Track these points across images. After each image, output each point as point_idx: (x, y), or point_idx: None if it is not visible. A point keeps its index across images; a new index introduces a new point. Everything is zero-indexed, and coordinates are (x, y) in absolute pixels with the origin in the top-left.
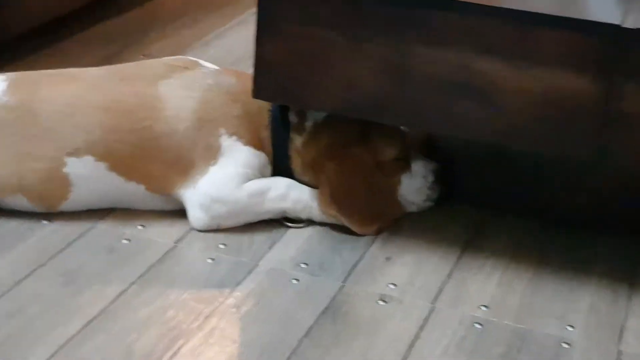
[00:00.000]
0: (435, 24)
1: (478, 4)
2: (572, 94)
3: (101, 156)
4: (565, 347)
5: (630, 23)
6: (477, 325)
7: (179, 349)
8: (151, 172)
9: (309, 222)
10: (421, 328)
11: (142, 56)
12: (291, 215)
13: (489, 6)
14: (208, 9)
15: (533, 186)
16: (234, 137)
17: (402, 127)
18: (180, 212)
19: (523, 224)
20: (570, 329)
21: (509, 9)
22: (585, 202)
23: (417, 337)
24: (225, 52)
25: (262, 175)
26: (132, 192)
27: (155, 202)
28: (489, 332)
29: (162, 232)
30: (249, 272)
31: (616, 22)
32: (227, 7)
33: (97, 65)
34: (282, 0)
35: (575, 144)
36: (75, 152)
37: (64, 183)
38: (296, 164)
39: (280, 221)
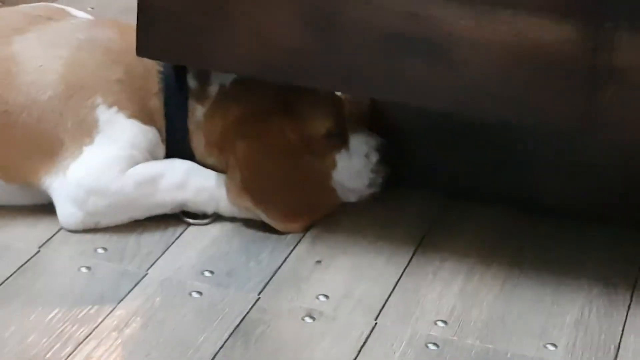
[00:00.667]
0: None
1: None
2: (550, 46)
3: None
4: None
5: None
6: (432, 347)
7: None
8: (6, 157)
9: (216, 218)
10: (360, 352)
11: None
12: (192, 208)
13: None
14: None
15: (506, 167)
16: (115, 109)
17: (335, 93)
18: (45, 208)
19: (493, 215)
20: (551, 348)
21: None
22: (574, 186)
23: None
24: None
25: (153, 157)
26: None
27: (12, 195)
28: (447, 354)
29: (22, 235)
30: (136, 284)
31: None
32: None
33: None
34: None
35: (555, 111)
36: None
37: None
38: (197, 141)
39: (178, 217)
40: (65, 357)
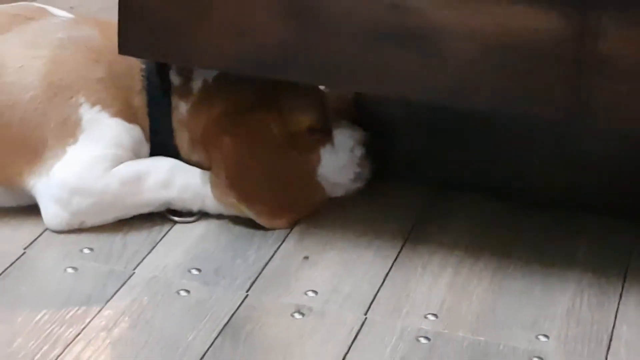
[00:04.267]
0: None
1: None
2: (535, 36)
3: None
4: None
5: None
6: (423, 340)
7: None
8: None
9: (202, 215)
10: (350, 347)
11: None
12: (178, 206)
13: None
14: None
15: (495, 158)
16: (98, 107)
17: (319, 87)
18: (30, 209)
19: (482, 207)
20: (543, 339)
21: None
22: (564, 176)
23: (345, 358)
24: None
25: (138, 155)
26: None
27: None
28: (438, 347)
29: (7, 237)
30: (123, 284)
31: None
32: None
33: None
34: None
35: (542, 100)
36: None
37: None
38: (181, 139)
39: (164, 215)
40: (54, 359)
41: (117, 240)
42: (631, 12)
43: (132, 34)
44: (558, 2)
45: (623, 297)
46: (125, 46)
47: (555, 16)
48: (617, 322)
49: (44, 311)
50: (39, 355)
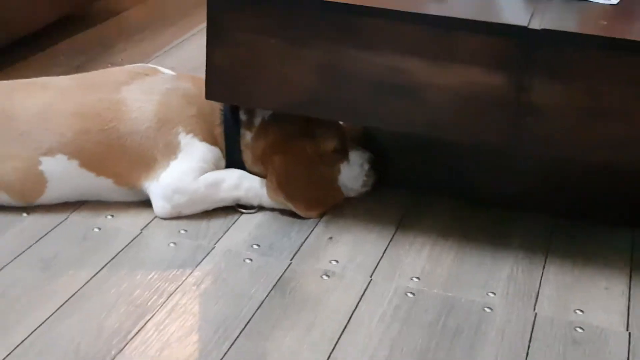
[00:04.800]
0: (365, 30)
1: (402, 11)
2: (487, 89)
3: (72, 155)
4: (488, 312)
5: (535, 24)
6: (410, 295)
7: (145, 324)
8: (118, 168)
9: (260, 208)
10: (360, 299)
11: (108, 65)
12: (244, 202)
13: (412, 13)
14: (166, 24)
15: (458, 171)
16: (191, 135)
17: (340, 122)
18: (145, 203)
19: (449, 204)
20: (491, 295)
21: (430, 15)
22: (505, 184)
23: (357, 307)
24: (183, 61)
25: (217, 167)
26: (102, 186)
27: (122, 194)
28: (420, 300)
29: (130, 221)
30: (207, 254)
31: (523, 24)
32: (182, 21)
33: (66, 74)
34: (227, 12)
35: (491, 133)
36: (49, 152)
37: (40, 179)
38: (247, 157)
39: (235, 208)
40: (160, 305)
41: (203, 224)
42: (553, 74)
43: (214, 86)
44: (503, 66)
45: (545, 268)
46: (210, 94)
47: (501, 76)
48: (541, 284)
49: (154, 272)
50: (150, 302)
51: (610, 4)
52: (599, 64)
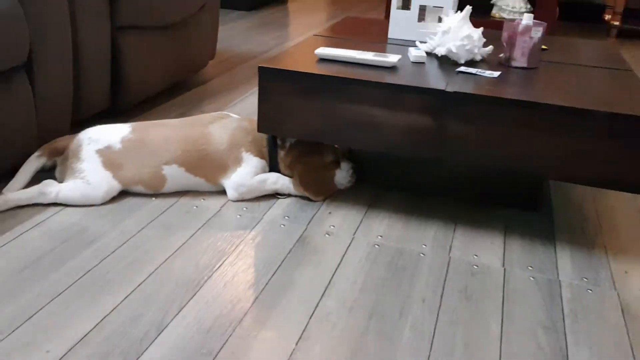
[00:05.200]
0: (349, 91)
1: (371, 80)
2: (422, 125)
3: (181, 164)
4: (422, 256)
5: (449, 88)
6: (376, 246)
7: (223, 261)
8: (207, 172)
9: (289, 195)
10: (347, 248)
11: (200, 112)
12: (280, 191)
13: (376, 82)
14: (234, 88)
15: (407, 173)
16: (249, 153)
17: (336, 145)
18: (222, 192)
19: (401, 195)
20: (424, 246)
21: (387, 82)
22: (433, 180)
23: (345, 253)
24: (244, 109)
25: (264, 172)
26: (198, 183)
27: (209, 187)
28: (382, 250)
29: (214, 202)
30: (259, 222)
31: (442, 88)
32: (244, 86)
33: (176, 117)
34: (270, 82)
35: (426, 152)
36: (167, 163)
37: (162, 179)
38: (281, 166)
39: (275, 195)
40: (231, 251)
41: (256, 204)
42: (460, 118)
43: (262, 123)
44: (430, 113)
45: (455, 230)
46: (260, 127)
47: (430, 118)
48: (453, 239)
49: (228, 232)
50: (226, 249)
51: (493, 77)
52: (487, 112)
